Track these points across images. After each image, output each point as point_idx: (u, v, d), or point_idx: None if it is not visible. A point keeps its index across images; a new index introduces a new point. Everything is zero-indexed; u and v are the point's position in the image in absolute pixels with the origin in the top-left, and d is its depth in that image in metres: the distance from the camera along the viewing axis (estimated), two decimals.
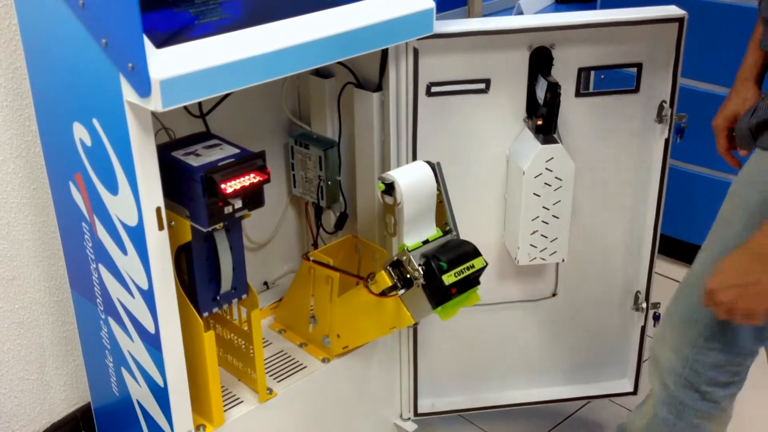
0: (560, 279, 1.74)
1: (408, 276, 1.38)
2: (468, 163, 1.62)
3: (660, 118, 1.59)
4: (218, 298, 1.42)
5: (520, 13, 2.60)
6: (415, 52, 1.47)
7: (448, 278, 1.36)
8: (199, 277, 1.38)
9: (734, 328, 1.27)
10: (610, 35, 1.53)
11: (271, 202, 1.67)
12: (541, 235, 1.60)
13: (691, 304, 1.30)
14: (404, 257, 1.38)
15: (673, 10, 1.50)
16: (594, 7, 2.48)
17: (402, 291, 1.39)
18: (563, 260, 1.64)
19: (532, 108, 1.58)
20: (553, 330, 1.79)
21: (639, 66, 1.56)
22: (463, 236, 1.46)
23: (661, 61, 1.55)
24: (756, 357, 1.34)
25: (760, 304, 1.11)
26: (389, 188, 1.39)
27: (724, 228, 1.27)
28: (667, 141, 1.59)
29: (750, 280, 1.10)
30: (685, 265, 2.48)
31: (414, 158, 1.54)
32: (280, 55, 1.23)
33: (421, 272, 1.36)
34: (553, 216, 1.59)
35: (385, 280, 1.39)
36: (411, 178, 1.40)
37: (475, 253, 1.40)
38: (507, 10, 2.63)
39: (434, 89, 1.54)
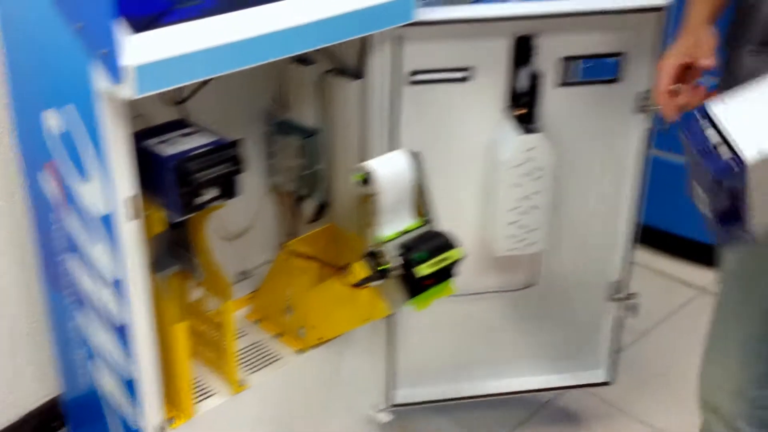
0: (539, 269, 1.73)
1: (384, 267, 1.37)
2: (449, 152, 1.60)
3: (641, 107, 1.58)
4: None
5: None
6: (397, 39, 1.44)
7: (423, 270, 1.35)
8: None
9: None
10: (592, 24, 1.52)
11: (249, 191, 1.63)
12: (521, 225, 1.59)
13: (745, 341, 1.29)
14: (380, 248, 1.37)
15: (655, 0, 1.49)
16: None
17: (378, 282, 1.37)
18: (542, 250, 1.63)
19: (513, 97, 1.56)
20: (530, 320, 1.79)
21: (622, 55, 1.55)
22: (442, 226, 1.44)
23: (644, 51, 1.54)
24: None
25: None
26: (367, 178, 1.37)
27: None
28: (647, 131, 1.58)
29: None
30: (669, 256, 2.51)
31: (395, 147, 1.52)
32: (257, 41, 1.21)
33: (397, 263, 1.35)
34: (533, 206, 1.58)
35: (360, 271, 1.38)
36: (389, 169, 1.38)
37: (452, 244, 1.39)
38: None
39: (416, 78, 1.51)
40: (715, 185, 1.05)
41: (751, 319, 1.30)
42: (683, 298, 2.37)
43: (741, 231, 1.05)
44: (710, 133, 1.03)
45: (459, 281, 1.43)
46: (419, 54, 1.49)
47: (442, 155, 1.58)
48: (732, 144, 1.01)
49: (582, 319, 1.80)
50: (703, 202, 1.11)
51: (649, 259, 2.47)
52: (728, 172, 1.01)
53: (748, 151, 0.99)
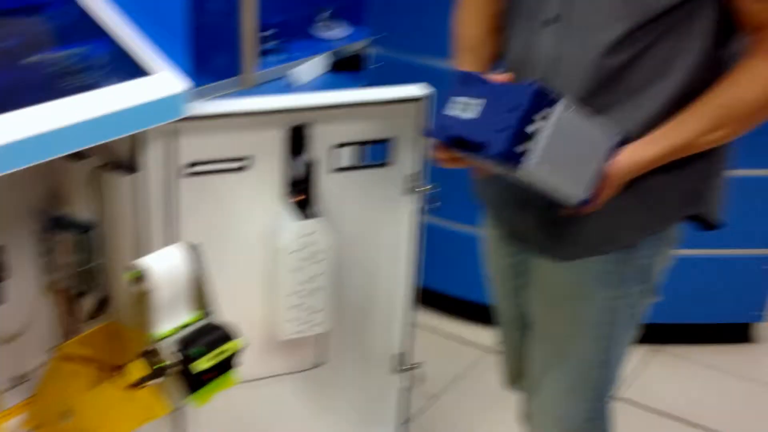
0: (325, 348, 1.77)
1: (161, 365, 1.36)
2: (231, 241, 1.61)
3: (410, 189, 1.68)
4: None
5: (294, 82, 2.64)
6: (172, 133, 1.45)
7: (201, 364, 1.35)
8: None
9: None
10: (361, 113, 1.60)
11: (22, 291, 1.56)
12: (304, 308, 1.63)
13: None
14: (157, 346, 1.36)
15: (415, 90, 1.60)
16: (362, 77, 2.60)
17: (156, 380, 1.35)
18: (326, 331, 1.68)
19: (291, 184, 1.61)
20: (322, 400, 1.81)
21: (390, 141, 1.65)
22: (227, 314, 1.45)
23: (409, 136, 1.64)
24: None
25: None
26: (140, 275, 1.35)
27: None
28: (418, 210, 1.68)
29: None
30: (453, 318, 2.64)
31: (174, 240, 1.51)
32: (23, 144, 1.18)
33: (175, 360, 1.34)
34: (315, 289, 1.62)
35: (138, 370, 1.36)
36: (164, 264, 1.37)
37: (232, 335, 1.40)
38: (282, 79, 2.66)
39: (193, 169, 1.53)
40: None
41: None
42: (469, 359, 2.50)
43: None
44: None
45: (249, 366, 1.43)
46: (195, 146, 1.50)
47: (224, 244, 1.60)
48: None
49: (371, 394, 1.85)
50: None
51: (435, 322, 2.59)
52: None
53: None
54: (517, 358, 1.60)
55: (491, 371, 1.58)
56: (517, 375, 1.63)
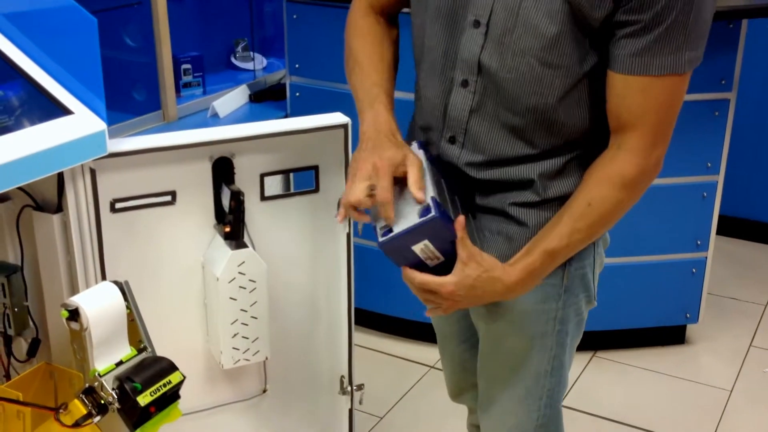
0: (269, 374, 1.79)
1: (102, 402, 1.35)
2: (163, 275, 1.62)
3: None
4: None
5: (215, 114, 2.68)
6: (92, 171, 1.46)
7: (144, 398, 1.34)
8: None
9: None
10: (286, 142, 1.63)
11: None
12: (243, 336, 1.64)
13: None
14: (96, 383, 1.35)
15: (338, 118, 1.64)
16: (285, 106, 2.64)
17: (98, 418, 1.35)
18: (267, 358, 1.69)
19: (220, 215, 1.63)
20: (268, 426, 1.82)
21: (316, 168, 1.68)
22: (166, 347, 1.45)
23: (335, 162, 1.68)
24: None
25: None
26: (74, 314, 1.35)
27: None
28: (348, 234, 1.71)
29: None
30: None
31: (103, 278, 1.51)
32: None
33: (115, 396, 1.34)
34: (252, 317, 1.64)
35: (78, 408, 1.34)
36: (96, 302, 1.37)
37: (171, 368, 1.40)
38: (202, 112, 2.69)
39: (118, 205, 1.54)
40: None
41: None
42: (415, 377, 2.53)
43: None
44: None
45: (191, 398, 1.43)
46: (120, 182, 1.51)
47: (157, 278, 1.61)
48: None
49: (318, 417, 1.86)
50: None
51: (380, 343, 2.62)
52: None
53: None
54: (462, 372, 1.64)
55: (437, 387, 1.61)
56: (463, 388, 1.67)
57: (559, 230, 1.27)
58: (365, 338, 2.64)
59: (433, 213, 1.22)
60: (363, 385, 1.85)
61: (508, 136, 1.30)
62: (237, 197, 1.58)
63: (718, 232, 2.59)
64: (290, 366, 1.80)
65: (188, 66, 2.73)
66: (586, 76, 1.24)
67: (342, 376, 1.83)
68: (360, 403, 1.85)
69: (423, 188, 1.26)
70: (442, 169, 1.36)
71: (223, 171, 1.61)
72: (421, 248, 1.26)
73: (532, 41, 1.21)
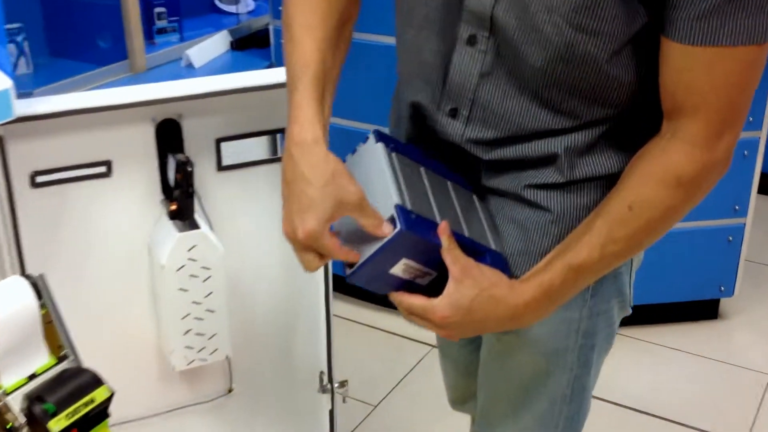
0: (235, 372, 1.54)
1: (10, 425, 1.11)
2: (103, 261, 1.37)
3: None
4: None
5: (190, 64, 2.39)
6: (2, 138, 1.19)
7: (58, 423, 1.10)
8: None
9: None
10: (246, 101, 1.36)
11: None
12: (197, 333, 1.39)
13: None
14: (2, 402, 1.10)
15: None
16: (269, 52, 2.35)
17: None
18: (227, 357, 1.44)
19: (167, 190, 1.36)
20: (235, 429, 1.59)
21: (282, 131, 1.40)
22: (111, 347, 1.24)
23: None
24: None
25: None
26: None
27: None
28: None
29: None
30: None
31: (22, 269, 1.26)
32: None
33: (24, 420, 1.09)
34: (208, 310, 1.38)
35: None
36: (2, 300, 1.12)
37: (95, 382, 1.15)
38: (177, 61, 2.40)
39: (40, 179, 1.27)
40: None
41: None
42: (414, 358, 2.28)
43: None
44: None
45: (146, 401, 1.27)
46: (40, 152, 1.25)
47: (95, 266, 1.35)
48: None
49: (295, 416, 1.63)
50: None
51: (372, 317, 2.37)
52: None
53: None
54: (466, 378, 1.34)
55: (440, 370, 1.39)
56: (467, 395, 1.39)
57: (590, 239, 0.97)
58: (354, 311, 2.36)
59: (398, 227, 0.93)
60: (346, 381, 1.61)
61: (528, 106, 0.99)
62: (184, 168, 1.30)
63: (760, 191, 2.32)
64: (260, 362, 1.56)
65: (162, 9, 2.43)
66: (635, 36, 0.94)
67: (321, 372, 1.59)
68: (344, 401, 1.62)
69: (373, 215, 0.94)
70: (429, 153, 1.08)
71: (168, 136, 1.33)
72: (402, 269, 0.98)
73: None
